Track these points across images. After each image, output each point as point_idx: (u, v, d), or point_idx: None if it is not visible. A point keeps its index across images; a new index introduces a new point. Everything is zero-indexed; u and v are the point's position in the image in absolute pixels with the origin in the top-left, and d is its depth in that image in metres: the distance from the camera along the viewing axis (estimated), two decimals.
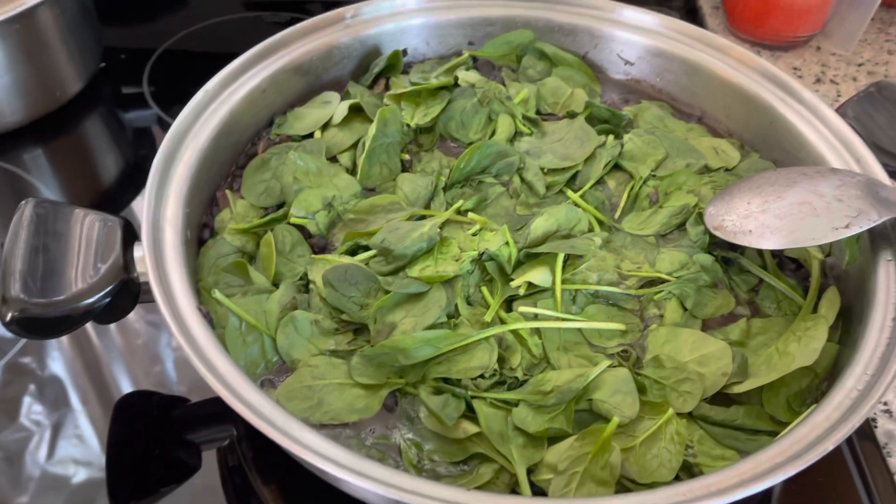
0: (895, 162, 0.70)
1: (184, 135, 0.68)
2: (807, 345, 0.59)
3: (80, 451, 0.69)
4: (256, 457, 0.69)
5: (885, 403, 0.70)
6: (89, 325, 0.78)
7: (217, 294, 0.59)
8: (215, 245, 0.66)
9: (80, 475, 0.67)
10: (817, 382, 0.60)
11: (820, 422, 0.50)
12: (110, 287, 0.56)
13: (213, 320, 0.59)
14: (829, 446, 0.48)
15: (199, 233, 0.68)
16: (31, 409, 0.71)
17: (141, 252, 0.58)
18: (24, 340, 0.76)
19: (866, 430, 0.68)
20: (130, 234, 0.60)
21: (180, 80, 1.04)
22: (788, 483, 0.66)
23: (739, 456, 0.56)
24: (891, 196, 0.63)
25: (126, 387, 0.74)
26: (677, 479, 0.54)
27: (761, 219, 0.63)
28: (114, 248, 0.58)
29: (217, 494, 0.68)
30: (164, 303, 0.54)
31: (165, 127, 0.88)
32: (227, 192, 0.71)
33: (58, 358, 0.75)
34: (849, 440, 0.68)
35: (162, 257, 0.58)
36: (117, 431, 0.72)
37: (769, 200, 0.64)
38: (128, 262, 0.58)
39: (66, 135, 0.98)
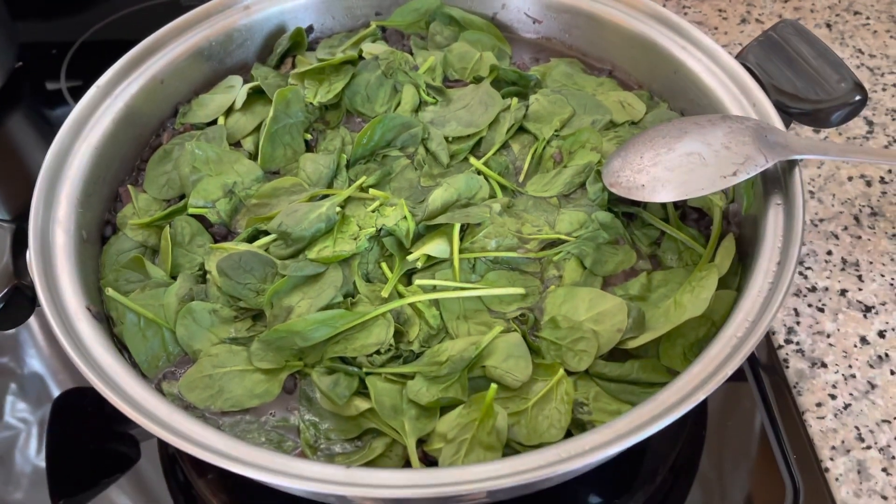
0: (795, 103, 0.70)
1: (76, 134, 0.67)
2: (698, 295, 0.59)
3: None
4: None
5: (798, 343, 0.71)
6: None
7: (110, 292, 0.60)
8: (117, 242, 0.67)
9: None
10: (714, 331, 0.60)
11: (698, 372, 0.51)
12: (0, 294, 0.56)
13: (108, 316, 0.59)
14: (699, 397, 0.49)
15: (102, 230, 0.68)
16: (15, 408, 0.72)
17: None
18: None
19: (776, 368, 0.69)
20: (22, 240, 0.60)
21: (100, 72, 1.02)
22: (698, 428, 0.67)
23: None
24: (779, 140, 0.63)
25: None
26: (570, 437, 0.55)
27: (652, 172, 0.63)
28: (2, 255, 0.58)
29: (161, 485, 0.70)
30: (49, 305, 0.54)
31: None
32: (130, 187, 0.71)
33: (35, 355, 0.76)
34: (757, 380, 0.69)
35: (51, 260, 0.58)
36: (55, 430, 0.73)
37: (660, 153, 0.64)
38: (19, 267, 0.58)
39: None
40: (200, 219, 0.67)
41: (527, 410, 0.55)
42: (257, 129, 0.75)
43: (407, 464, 0.54)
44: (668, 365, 0.59)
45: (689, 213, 0.69)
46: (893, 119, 0.90)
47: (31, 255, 0.57)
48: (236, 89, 0.78)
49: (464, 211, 0.65)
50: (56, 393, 0.73)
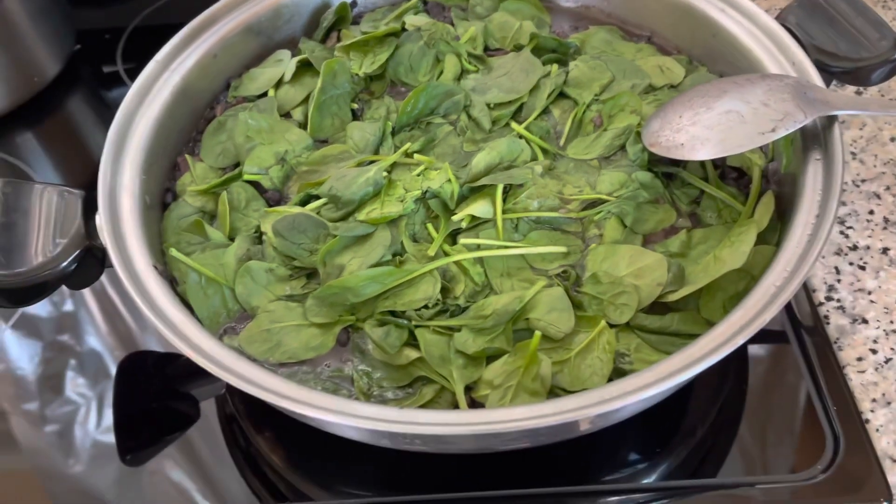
0: (836, 62, 0.70)
1: (137, 106, 0.71)
2: (737, 248, 0.60)
3: None
4: (248, 407, 0.74)
5: (839, 300, 0.72)
6: (118, 301, 0.83)
7: (173, 252, 0.63)
8: (177, 208, 0.70)
9: None
10: (754, 285, 0.61)
11: (736, 320, 0.53)
12: (74, 255, 0.61)
13: (172, 277, 0.63)
14: (738, 341, 0.50)
15: (163, 197, 0.72)
16: (76, 383, 0.76)
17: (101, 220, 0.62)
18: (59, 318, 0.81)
19: (816, 327, 0.70)
20: (91, 205, 0.64)
21: (153, 53, 1.07)
22: (739, 383, 0.69)
23: None
24: (818, 96, 0.64)
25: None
26: None
27: (692, 131, 0.65)
28: (75, 218, 0.62)
29: (220, 442, 0.73)
30: (120, 264, 0.58)
31: None
32: (187, 156, 0.74)
33: (93, 333, 0.80)
34: (798, 336, 0.70)
35: (119, 223, 0.62)
36: (120, 391, 0.77)
37: (699, 112, 0.65)
38: (89, 230, 0.62)
39: (51, 118, 1.03)
40: (255, 185, 0.70)
41: (570, 360, 0.58)
42: (306, 100, 0.78)
43: (456, 409, 0.56)
44: (708, 317, 0.60)
45: (728, 173, 0.70)
46: None
47: (102, 218, 0.61)
48: (285, 63, 0.81)
49: (506, 173, 0.67)
50: (113, 369, 0.77)
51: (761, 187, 0.67)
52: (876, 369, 0.67)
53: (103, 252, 0.63)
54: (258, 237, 0.67)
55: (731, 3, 0.75)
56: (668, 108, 0.68)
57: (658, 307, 0.61)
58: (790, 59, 0.69)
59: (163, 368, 0.81)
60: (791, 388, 0.67)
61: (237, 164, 0.73)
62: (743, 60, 0.74)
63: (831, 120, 0.63)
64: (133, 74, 1.05)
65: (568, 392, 0.56)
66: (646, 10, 0.83)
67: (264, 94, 0.79)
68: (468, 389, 0.57)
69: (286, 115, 0.77)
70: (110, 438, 0.72)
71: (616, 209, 0.66)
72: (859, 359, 0.68)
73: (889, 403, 0.65)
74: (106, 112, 1.05)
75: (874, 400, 0.65)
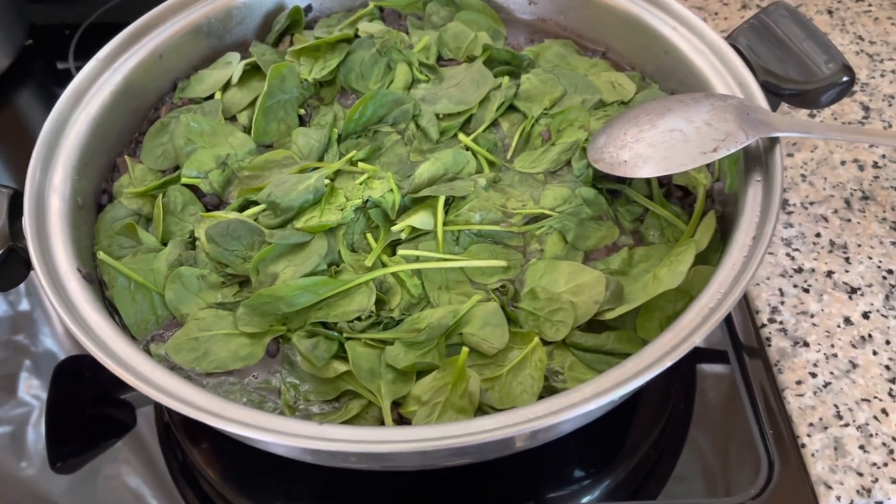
0: (785, 84, 0.70)
1: (74, 104, 0.69)
2: (675, 268, 0.60)
3: None
4: (183, 417, 0.72)
5: (782, 322, 0.72)
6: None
7: (101, 255, 0.61)
8: (112, 210, 0.69)
9: None
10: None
11: (667, 341, 0.52)
12: None
13: (97, 280, 0.61)
14: (665, 363, 0.49)
15: (99, 199, 0.70)
16: (30, 384, 0.74)
17: None
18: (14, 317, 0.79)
19: (758, 349, 0.70)
20: (19, 204, 0.62)
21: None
22: (678, 403, 0.68)
23: None
24: (761, 117, 0.63)
25: None
26: None
27: (635, 148, 0.64)
28: (0, 217, 0.60)
29: (156, 452, 0.71)
30: (40, 265, 0.57)
31: None
32: (127, 157, 0.73)
33: (48, 334, 0.78)
34: (740, 358, 0.69)
35: (45, 224, 0.60)
36: (55, 396, 0.75)
37: (643, 129, 0.65)
38: (14, 230, 0.60)
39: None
40: (193, 189, 0.69)
41: (501, 377, 0.57)
42: (252, 103, 0.76)
43: (381, 425, 0.55)
44: (644, 336, 0.60)
45: (673, 191, 0.70)
46: (890, 105, 0.90)
47: (26, 218, 0.59)
48: (234, 65, 0.79)
49: (449, 184, 0.66)
50: None
51: (705, 207, 0.67)
52: (814, 393, 0.67)
53: (28, 253, 0.61)
54: (192, 242, 0.65)
55: (682, 21, 0.75)
56: (615, 125, 0.67)
57: (595, 325, 0.61)
58: (737, 79, 0.69)
59: (98, 373, 0.79)
60: (732, 409, 0.67)
61: (177, 167, 0.72)
62: (692, 78, 0.73)
63: (773, 142, 0.63)
64: None
65: (496, 410, 0.55)
66: (601, 25, 0.83)
67: (212, 97, 0.78)
68: (396, 405, 0.56)
69: (232, 119, 0.76)
70: None
71: (558, 224, 0.65)
72: (798, 382, 0.67)
73: (826, 428, 0.65)
74: None
75: (811, 424, 0.65)
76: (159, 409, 0.74)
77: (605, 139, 0.67)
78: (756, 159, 0.63)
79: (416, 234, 0.65)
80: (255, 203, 0.67)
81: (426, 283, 0.62)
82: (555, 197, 0.67)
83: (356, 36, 0.81)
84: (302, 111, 0.76)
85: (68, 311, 0.55)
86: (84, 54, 1.05)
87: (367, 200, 0.65)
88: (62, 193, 0.63)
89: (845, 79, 0.68)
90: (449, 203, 0.66)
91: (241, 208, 0.67)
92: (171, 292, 0.62)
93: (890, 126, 0.88)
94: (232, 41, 0.84)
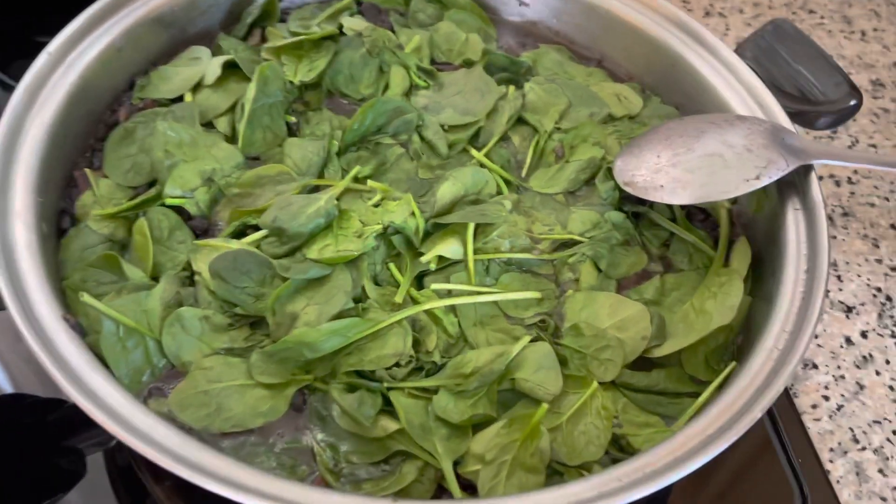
0: (794, 103, 0.69)
1: (27, 109, 0.58)
2: (723, 302, 0.58)
3: None
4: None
5: None
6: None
7: (86, 298, 0.51)
8: (79, 235, 0.58)
9: None
10: (733, 337, 0.59)
11: (745, 387, 0.50)
12: None
13: (83, 328, 0.51)
14: (756, 414, 0.47)
15: (58, 221, 0.59)
16: None
17: None
18: None
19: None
20: None
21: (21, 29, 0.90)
22: None
23: (663, 421, 0.55)
24: (796, 143, 0.62)
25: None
26: (606, 454, 0.52)
27: (672, 173, 0.61)
28: None
29: (108, 498, 0.62)
30: (20, 315, 0.46)
31: (8, 89, 0.76)
32: (87, 171, 0.62)
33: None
34: None
35: (13, 259, 0.50)
36: None
37: (679, 153, 0.62)
38: None
39: None
40: (178, 210, 0.59)
41: (561, 426, 0.52)
42: (231, 108, 0.67)
43: (440, 489, 0.49)
44: (692, 373, 0.57)
45: (694, 214, 0.67)
46: (854, 119, 0.93)
47: None
48: (203, 62, 0.69)
49: (478, 208, 0.60)
50: None
51: (729, 231, 0.65)
52: (830, 416, 0.67)
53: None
54: (188, 277, 0.56)
55: (691, 34, 0.73)
56: (644, 145, 0.64)
57: (639, 362, 0.57)
58: (757, 100, 0.68)
59: (42, 416, 0.68)
60: (757, 441, 0.65)
61: (151, 183, 0.62)
62: (703, 95, 0.71)
63: (808, 168, 0.62)
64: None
65: (566, 466, 0.50)
66: (597, 32, 0.79)
67: (178, 99, 0.67)
68: (454, 465, 0.50)
69: (207, 125, 0.66)
70: None
71: (591, 251, 0.61)
72: (814, 406, 0.68)
73: (846, 453, 0.65)
74: None
75: (832, 450, 0.65)
76: (112, 452, 0.65)
77: (635, 161, 0.63)
78: (790, 186, 0.62)
79: (444, 264, 0.59)
80: (254, 228, 0.59)
81: (461, 319, 0.57)
82: (583, 221, 0.63)
83: (341, 33, 0.73)
84: (290, 118, 0.67)
85: (67, 375, 0.45)
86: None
87: (388, 226, 0.59)
88: (27, 220, 0.52)
89: (853, 102, 0.68)
90: (476, 229, 0.60)
91: (238, 234, 0.59)
92: (170, 337, 0.53)
93: (857, 141, 0.90)
94: (195, 32, 0.73)
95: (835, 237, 0.80)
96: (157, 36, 0.70)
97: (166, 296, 0.54)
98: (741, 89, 0.69)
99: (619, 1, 0.76)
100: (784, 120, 0.66)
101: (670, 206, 0.66)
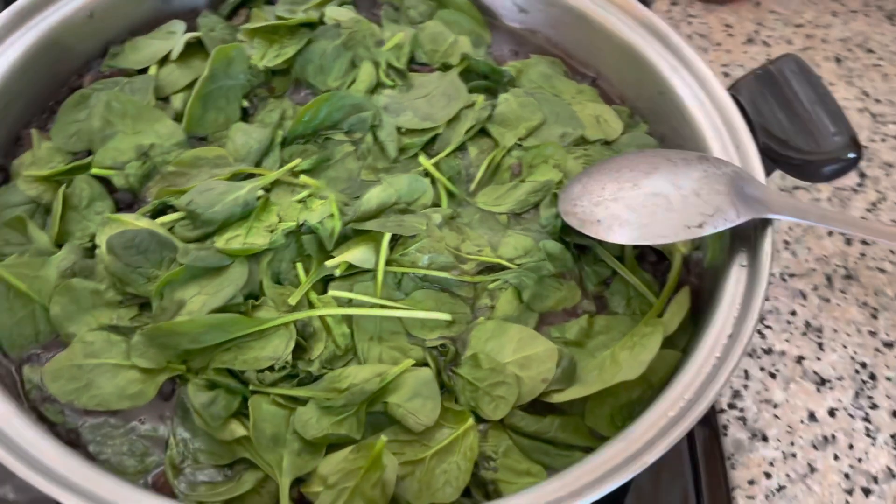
0: (783, 150, 0.63)
1: None
2: (636, 356, 0.53)
3: None
4: None
5: (742, 410, 0.66)
6: None
7: None
8: (5, 193, 0.59)
9: None
10: (650, 394, 0.54)
11: (635, 438, 0.45)
12: None
13: None
14: (628, 474, 0.43)
15: None
16: None
17: None
18: None
19: (714, 436, 0.64)
20: None
21: None
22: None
23: (546, 474, 0.51)
24: (756, 193, 0.56)
25: None
26: (468, 496, 0.49)
27: (612, 208, 0.57)
28: None
29: None
30: None
31: None
32: (34, 131, 0.63)
33: None
34: (691, 444, 0.63)
35: None
36: None
37: (624, 188, 0.57)
38: None
39: None
40: (105, 181, 0.60)
41: (424, 461, 0.49)
42: (191, 86, 0.67)
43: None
44: (593, 426, 0.53)
45: (647, 255, 0.62)
46: (887, 174, 0.84)
47: None
48: (177, 36, 0.69)
49: (398, 219, 0.58)
50: None
51: (680, 278, 0.60)
52: (766, 497, 0.61)
53: None
54: (91, 248, 0.56)
55: (683, 61, 0.67)
56: (593, 175, 0.60)
57: (539, 405, 0.54)
58: (736, 140, 0.62)
59: None
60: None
61: (91, 152, 0.62)
62: (686, 128, 0.66)
63: (765, 223, 0.56)
64: None
65: None
66: (594, 48, 0.74)
67: (146, 71, 0.68)
68: (298, 481, 0.48)
69: (164, 100, 0.66)
70: None
71: (515, 280, 0.58)
72: (751, 482, 0.62)
73: None
74: None
75: None
76: None
77: (580, 189, 0.59)
78: (744, 239, 0.57)
79: (353, 272, 0.57)
80: (174, 208, 0.58)
81: (356, 331, 0.54)
82: (515, 246, 0.59)
83: (321, 22, 0.72)
84: (246, 103, 0.67)
85: None
86: None
87: (302, 224, 0.57)
88: None
89: (851, 155, 0.61)
90: (395, 240, 0.58)
91: (157, 212, 0.58)
92: (59, 307, 0.53)
93: (884, 198, 0.82)
94: (180, 6, 0.73)
95: (828, 300, 0.73)
96: (136, 5, 0.71)
97: (64, 265, 0.54)
98: (722, 127, 0.63)
99: (615, 16, 0.71)
100: (756, 167, 0.60)
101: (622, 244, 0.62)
